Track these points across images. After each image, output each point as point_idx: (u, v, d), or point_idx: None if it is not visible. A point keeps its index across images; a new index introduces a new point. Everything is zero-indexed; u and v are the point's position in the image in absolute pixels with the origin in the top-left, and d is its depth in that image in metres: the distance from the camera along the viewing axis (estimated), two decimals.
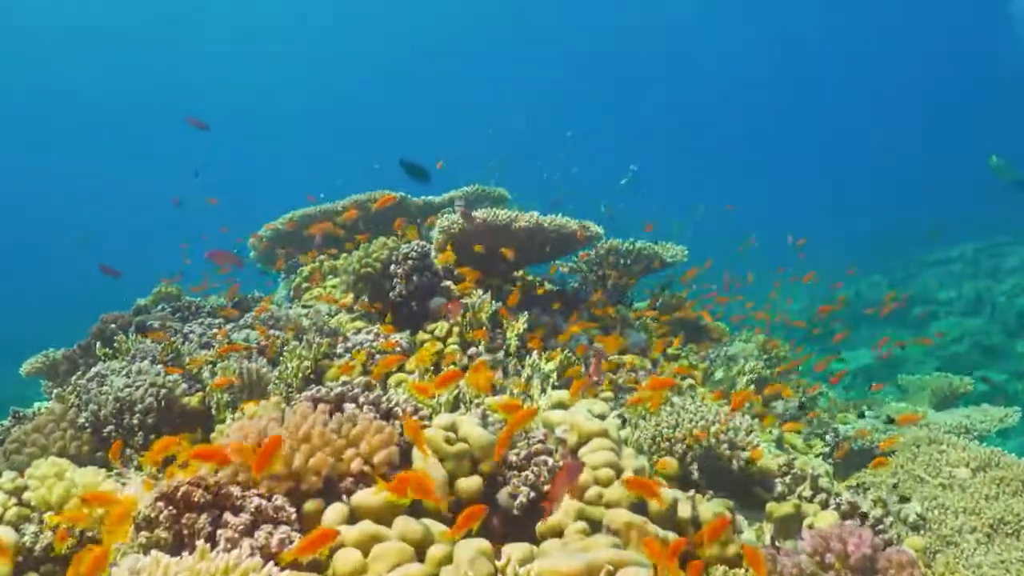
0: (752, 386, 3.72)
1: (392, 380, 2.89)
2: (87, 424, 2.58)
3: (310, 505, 1.65)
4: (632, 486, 1.77)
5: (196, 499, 1.44)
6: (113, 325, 3.25)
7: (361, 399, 1.96)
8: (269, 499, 1.57)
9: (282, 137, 33.86)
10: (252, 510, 1.50)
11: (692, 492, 2.33)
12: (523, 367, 3.03)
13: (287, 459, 1.64)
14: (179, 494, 1.44)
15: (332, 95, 35.61)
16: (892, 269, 14.71)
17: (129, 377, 2.75)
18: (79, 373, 2.86)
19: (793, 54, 34.30)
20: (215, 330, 3.46)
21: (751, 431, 2.75)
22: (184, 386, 2.78)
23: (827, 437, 3.73)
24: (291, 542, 1.48)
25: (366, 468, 1.72)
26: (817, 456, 3.58)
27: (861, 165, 31.08)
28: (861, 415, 3.89)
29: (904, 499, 2.70)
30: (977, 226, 14.94)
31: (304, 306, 3.97)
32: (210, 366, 2.95)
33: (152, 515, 1.43)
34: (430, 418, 2.23)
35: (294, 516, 1.58)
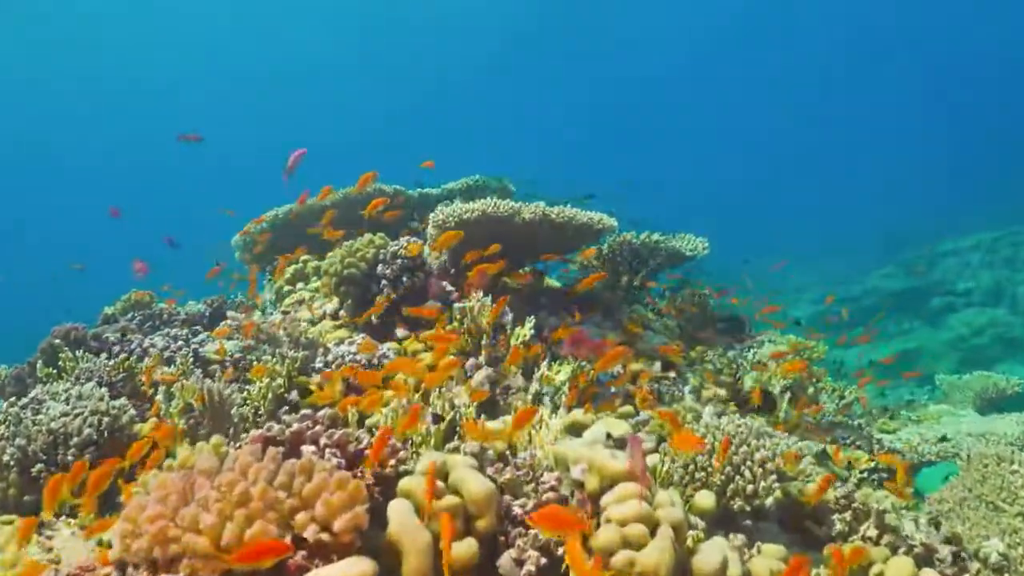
0: (788, 393, 3.32)
1: None
2: (12, 462, 2.17)
3: None
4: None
5: None
6: (58, 340, 2.83)
7: (323, 440, 1.54)
8: None
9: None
10: None
11: (739, 540, 1.91)
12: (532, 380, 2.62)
13: (214, 531, 1.23)
14: None
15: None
16: (907, 260, 14.27)
17: (68, 403, 2.34)
18: (12, 399, 2.45)
19: (798, 51, 33.87)
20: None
21: (803, 454, 2.33)
22: (132, 412, 2.37)
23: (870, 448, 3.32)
24: None
25: (324, 536, 1.30)
26: (862, 472, 3.18)
27: (870, 158, 30.70)
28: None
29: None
30: (989, 216, 14.54)
31: (283, 312, 3.56)
32: (166, 387, 2.54)
33: None
34: (417, 454, 1.82)
35: None
